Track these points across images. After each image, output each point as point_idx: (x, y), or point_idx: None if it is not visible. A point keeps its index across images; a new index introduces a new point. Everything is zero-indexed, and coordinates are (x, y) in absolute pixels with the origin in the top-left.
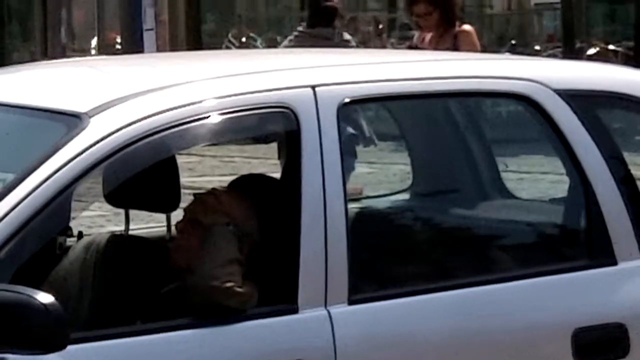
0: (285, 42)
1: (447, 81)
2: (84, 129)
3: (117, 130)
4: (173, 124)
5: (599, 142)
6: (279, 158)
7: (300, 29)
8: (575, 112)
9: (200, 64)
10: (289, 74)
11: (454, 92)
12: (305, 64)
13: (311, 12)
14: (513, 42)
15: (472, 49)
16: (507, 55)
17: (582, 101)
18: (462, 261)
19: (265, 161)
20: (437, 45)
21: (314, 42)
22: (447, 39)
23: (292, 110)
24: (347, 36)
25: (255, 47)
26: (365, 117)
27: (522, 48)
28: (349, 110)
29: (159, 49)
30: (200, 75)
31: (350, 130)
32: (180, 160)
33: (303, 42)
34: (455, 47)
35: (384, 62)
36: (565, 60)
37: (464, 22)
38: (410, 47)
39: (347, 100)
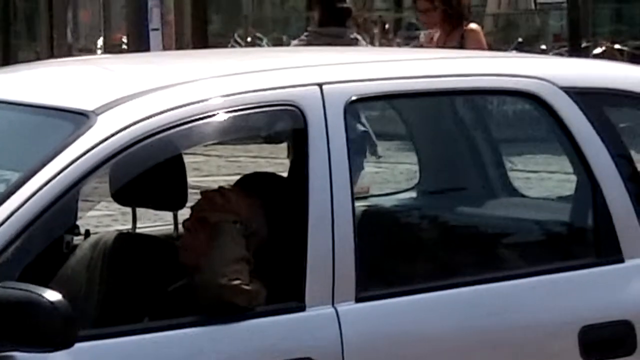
0: (296, 42)
1: (454, 79)
2: (91, 127)
3: (124, 128)
4: (180, 122)
5: (607, 140)
6: (288, 157)
7: (310, 28)
8: (582, 110)
9: (206, 62)
10: (295, 72)
11: (460, 90)
12: (312, 62)
13: (323, 12)
14: (520, 40)
15: (478, 47)
16: (514, 53)
17: (590, 99)
18: (469, 259)
19: (272, 160)
20: (444, 44)
21: (325, 40)
22: (454, 38)
23: (299, 108)
24: (358, 37)
25: (261, 47)
26: (370, 120)
27: (529, 47)
28: (356, 108)
29: (165, 49)
30: (207, 73)
31: (361, 128)
32: (186, 160)
33: (314, 40)
34: (461, 46)
35: (391, 60)
36: (572, 58)
37: (471, 22)
38: (416, 47)
39: (354, 98)
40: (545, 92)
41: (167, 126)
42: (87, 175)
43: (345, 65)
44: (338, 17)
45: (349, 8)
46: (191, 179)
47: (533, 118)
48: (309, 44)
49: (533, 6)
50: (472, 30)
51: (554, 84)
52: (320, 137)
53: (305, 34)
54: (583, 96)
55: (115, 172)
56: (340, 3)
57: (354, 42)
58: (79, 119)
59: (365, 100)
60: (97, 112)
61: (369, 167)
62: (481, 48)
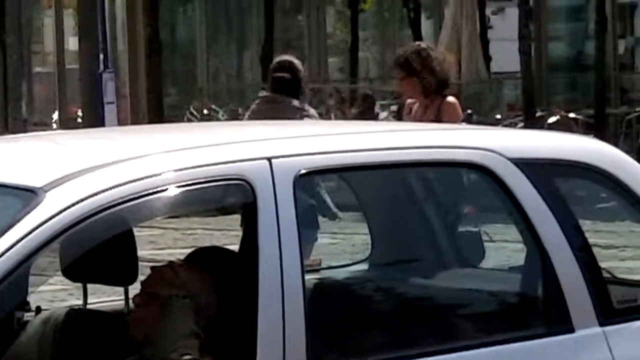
0: (249, 112)
1: (402, 151)
2: (39, 203)
3: (73, 204)
4: (129, 197)
5: (555, 210)
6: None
7: (260, 94)
8: (531, 181)
9: (157, 137)
10: (245, 147)
11: (409, 162)
12: (261, 136)
13: (274, 83)
14: (469, 111)
15: (455, 120)
16: (463, 125)
17: (538, 170)
18: (421, 331)
19: (228, 233)
20: (422, 117)
21: (270, 106)
22: (431, 111)
23: (248, 182)
24: (311, 111)
25: (217, 119)
26: (327, 190)
27: (483, 117)
28: (305, 181)
29: (121, 122)
30: (156, 149)
31: (310, 201)
32: (142, 233)
33: (263, 107)
34: (438, 119)
35: (340, 133)
36: (520, 130)
37: (449, 94)
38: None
39: (303, 171)
40: (493, 163)
41: (116, 202)
42: (36, 252)
43: (294, 139)
44: (289, 90)
45: (299, 79)
46: (147, 252)
47: (482, 189)
48: (258, 112)
49: (487, 76)
50: (448, 102)
51: (501, 155)
52: (270, 210)
53: (257, 101)
54: (531, 167)
55: (65, 248)
56: (292, 73)
57: (300, 112)
58: (27, 196)
59: (315, 173)
60: (45, 189)
61: (324, 239)
62: (457, 121)
